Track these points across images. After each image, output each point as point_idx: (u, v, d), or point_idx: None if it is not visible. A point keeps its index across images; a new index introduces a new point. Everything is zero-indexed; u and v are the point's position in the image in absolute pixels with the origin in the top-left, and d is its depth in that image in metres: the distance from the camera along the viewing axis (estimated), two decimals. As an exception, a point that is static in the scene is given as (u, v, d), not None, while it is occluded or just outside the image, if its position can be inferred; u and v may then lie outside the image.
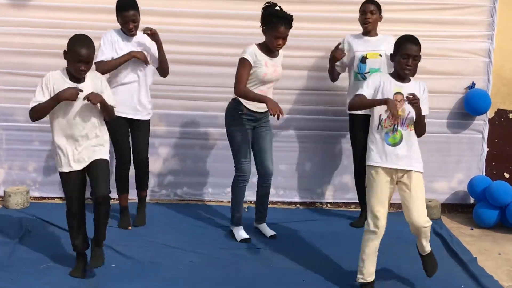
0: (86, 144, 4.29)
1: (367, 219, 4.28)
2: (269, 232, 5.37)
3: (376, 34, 5.56)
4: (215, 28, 6.00)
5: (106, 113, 4.34)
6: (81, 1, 5.92)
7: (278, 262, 4.87)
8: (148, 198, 6.20)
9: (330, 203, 6.36)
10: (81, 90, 4.12)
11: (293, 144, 6.26)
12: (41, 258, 4.71)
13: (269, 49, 5.00)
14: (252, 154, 5.20)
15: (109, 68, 5.09)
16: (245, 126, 5.07)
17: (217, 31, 5.98)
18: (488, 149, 6.30)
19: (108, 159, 4.41)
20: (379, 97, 4.17)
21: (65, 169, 4.30)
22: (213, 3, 5.99)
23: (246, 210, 5.97)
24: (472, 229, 5.88)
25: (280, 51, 5.13)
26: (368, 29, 5.51)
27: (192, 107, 6.16)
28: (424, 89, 4.26)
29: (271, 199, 6.11)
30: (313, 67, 6.12)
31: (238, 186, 5.19)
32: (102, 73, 4.77)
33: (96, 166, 4.31)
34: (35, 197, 6.15)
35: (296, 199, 6.35)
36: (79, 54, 4.10)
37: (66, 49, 4.18)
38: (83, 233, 4.47)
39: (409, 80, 4.24)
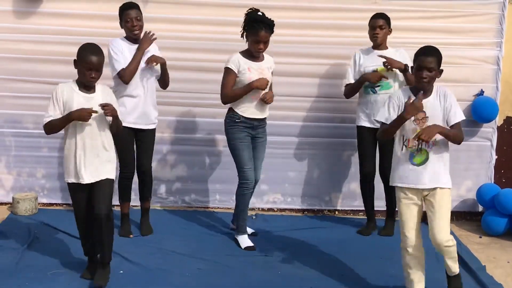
0: (97, 157, 4.30)
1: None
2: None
3: (386, 48, 5.56)
4: (222, 35, 6.00)
5: (116, 127, 4.35)
6: (89, 8, 5.94)
7: (285, 269, 4.86)
8: (156, 205, 6.23)
9: (338, 210, 6.35)
10: (96, 112, 4.14)
11: (301, 151, 6.26)
12: (49, 264, 4.72)
13: (252, 54, 5.07)
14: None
15: (132, 72, 5.05)
16: (244, 134, 5.13)
17: (224, 38, 5.97)
18: (496, 157, 6.28)
19: (114, 177, 4.42)
20: None
21: (74, 180, 4.30)
22: (220, 10, 6.00)
23: (254, 217, 5.97)
24: (480, 237, 5.85)
25: (270, 57, 5.19)
26: (377, 43, 5.51)
27: (199, 113, 6.17)
28: (445, 95, 4.11)
29: (279, 206, 6.13)
30: (320, 74, 6.12)
31: (242, 193, 5.20)
32: (129, 80, 4.98)
33: (100, 185, 4.33)
34: (43, 203, 6.17)
35: (304, 206, 6.34)
36: (89, 61, 4.14)
37: (75, 58, 4.21)
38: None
39: (430, 93, 4.11)
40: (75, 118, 4.14)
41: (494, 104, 6.09)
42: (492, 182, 6.25)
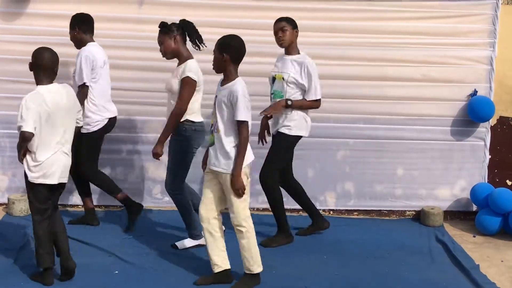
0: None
1: None
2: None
3: (297, 53, 5.28)
4: (217, 36, 5.92)
5: None
6: (82, 10, 5.92)
7: (280, 268, 4.87)
8: (151, 205, 6.23)
9: (332, 210, 6.36)
10: None
11: (295, 151, 6.24)
12: (44, 265, 4.73)
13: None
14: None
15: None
16: None
17: (211, 39, 5.97)
18: (490, 157, 6.31)
19: None
20: None
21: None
22: (214, 11, 5.97)
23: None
24: (474, 236, 5.88)
25: (185, 63, 5.20)
26: (284, 47, 5.26)
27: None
28: (231, 93, 4.42)
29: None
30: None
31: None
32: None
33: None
34: (38, 204, 6.16)
35: (299, 206, 6.34)
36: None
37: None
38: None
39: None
40: None
41: (491, 103, 6.10)
42: (486, 181, 6.27)
